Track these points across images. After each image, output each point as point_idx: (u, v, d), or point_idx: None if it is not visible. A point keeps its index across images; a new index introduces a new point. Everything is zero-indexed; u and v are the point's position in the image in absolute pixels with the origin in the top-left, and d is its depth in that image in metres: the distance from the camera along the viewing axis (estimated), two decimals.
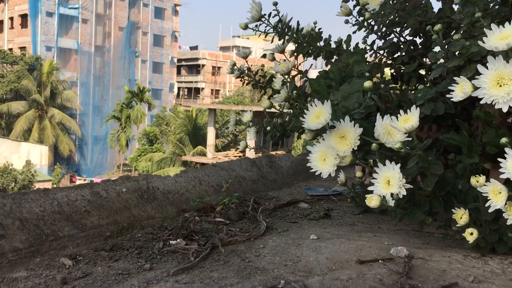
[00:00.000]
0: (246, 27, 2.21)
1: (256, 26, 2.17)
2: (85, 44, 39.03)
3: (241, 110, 33.24)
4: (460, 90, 1.20)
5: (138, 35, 42.74)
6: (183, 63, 50.36)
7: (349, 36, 2.11)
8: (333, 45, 2.16)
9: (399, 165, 1.25)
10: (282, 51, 2.29)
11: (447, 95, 1.29)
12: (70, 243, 1.18)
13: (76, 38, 38.54)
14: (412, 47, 1.81)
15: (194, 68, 50.61)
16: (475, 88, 1.17)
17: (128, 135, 33.10)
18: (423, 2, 1.83)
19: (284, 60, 2.34)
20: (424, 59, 1.85)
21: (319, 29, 2.16)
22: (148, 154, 31.11)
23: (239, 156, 30.77)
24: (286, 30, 2.15)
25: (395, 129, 1.27)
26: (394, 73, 2.03)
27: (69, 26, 38.37)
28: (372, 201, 1.23)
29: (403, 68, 1.93)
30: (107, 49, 40.67)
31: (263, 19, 2.17)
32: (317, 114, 1.33)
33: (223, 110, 33.43)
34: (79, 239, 1.21)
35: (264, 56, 52.97)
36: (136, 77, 41.59)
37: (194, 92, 48.76)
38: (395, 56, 1.87)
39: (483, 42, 1.15)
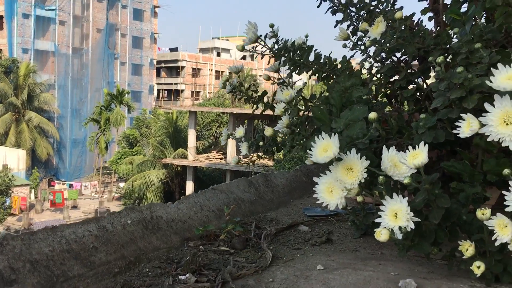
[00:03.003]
0: (243, 48, 2.21)
1: (253, 47, 2.18)
2: (62, 46, 38.46)
3: (222, 112, 33.26)
4: (468, 127, 1.23)
5: (117, 37, 42.34)
6: (163, 65, 50.09)
7: (344, 57, 2.13)
8: (326, 63, 2.18)
9: (406, 198, 1.28)
10: (276, 71, 2.31)
11: (454, 131, 1.32)
12: (80, 283, 1.17)
13: (53, 40, 37.96)
14: (409, 72, 1.84)
15: (174, 70, 50.36)
16: (482, 125, 1.20)
17: (108, 138, 32.74)
18: (418, 27, 1.86)
19: (279, 79, 2.36)
20: (421, 82, 1.89)
21: (313, 47, 2.17)
22: (128, 157, 30.82)
23: (220, 158, 30.70)
24: (283, 51, 2.16)
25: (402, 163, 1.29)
26: (389, 95, 2.06)
27: (46, 28, 37.76)
28: (382, 236, 1.25)
29: (398, 90, 1.96)
30: (85, 51, 40.17)
31: (259, 40, 2.18)
32: (325, 147, 1.35)
33: (204, 112, 33.34)
34: (89, 278, 1.20)
35: (244, 57, 52.97)
36: (115, 79, 41.18)
37: (174, 94, 48.51)
38: (392, 80, 1.90)
39: (490, 81, 1.18)
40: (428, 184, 1.27)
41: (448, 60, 1.79)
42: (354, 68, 2.09)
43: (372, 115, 1.42)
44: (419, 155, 1.23)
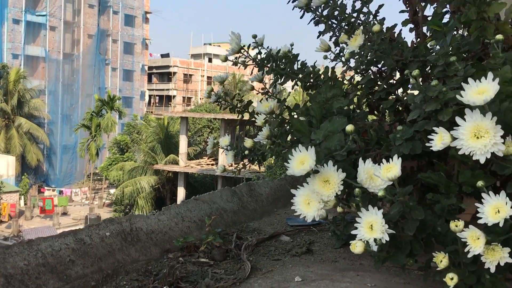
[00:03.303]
0: (226, 59, 2.23)
1: (236, 58, 2.20)
2: (53, 51, 38.30)
3: (214, 118, 33.23)
4: (440, 140, 1.25)
5: (108, 43, 42.25)
6: (154, 70, 50.03)
7: (326, 68, 2.15)
8: (311, 72, 2.19)
9: (381, 210, 1.29)
10: (260, 81, 2.33)
11: (427, 144, 1.34)
12: None
13: (44, 45, 37.80)
14: (389, 83, 1.87)
15: (166, 76, 50.32)
16: (454, 138, 1.22)
17: (98, 144, 32.59)
18: (397, 39, 1.89)
19: (263, 88, 2.37)
20: (401, 93, 1.91)
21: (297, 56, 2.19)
22: (119, 163, 30.68)
23: (211, 164, 30.64)
24: (266, 61, 2.18)
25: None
26: (371, 105, 2.08)
27: (36, 34, 37.60)
28: (357, 248, 1.26)
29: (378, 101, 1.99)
30: (76, 56, 40.04)
31: (242, 50, 2.20)
32: (302, 160, 1.36)
33: (195, 118, 33.30)
34: None
35: (235, 64, 52.95)
36: (106, 85, 41.05)
37: (166, 100, 48.43)
38: (373, 91, 1.92)
39: (461, 96, 1.20)
40: (403, 197, 1.29)
41: (427, 70, 1.83)
42: (339, 77, 2.11)
43: (349, 127, 1.44)
44: (392, 168, 1.25)
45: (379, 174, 1.26)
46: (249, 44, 2.23)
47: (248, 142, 1.78)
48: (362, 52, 1.71)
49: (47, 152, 37.19)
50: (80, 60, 40.12)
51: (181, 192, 28.21)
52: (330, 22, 2.03)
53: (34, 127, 34.40)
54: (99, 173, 34.08)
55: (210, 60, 53.00)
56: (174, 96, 48.99)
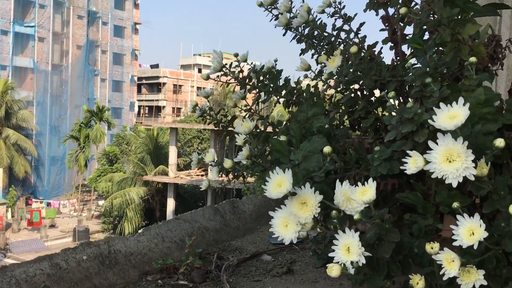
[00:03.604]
0: (207, 77, 2.24)
1: (218, 76, 2.20)
2: (41, 62, 38.11)
3: (203, 129, 33.15)
4: (413, 164, 1.26)
5: (97, 54, 42.16)
6: (144, 81, 49.97)
7: (308, 86, 2.17)
8: (294, 89, 2.20)
9: (358, 232, 1.29)
10: (243, 98, 2.33)
11: (401, 167, 1.35)
12: None
13: (32, 56, 37.60)
14: (368, 101, 1.88)
15: (155, 86, 50.27)
16: (427, 162, 1.23)
17: (87, 155, 32.34)
18: (376, 59, 1.91)
19: (246, 105, 2.38)
20: (380, 112, 1.92)
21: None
22: (108, 175, 30.46)
23: (201, 175, 30.51)
24: (247, 80, 2.19)
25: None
26: (352, 123, 2.10)
27: (24, 45, 37.42)
28: (333, 271, 1.26)
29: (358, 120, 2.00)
30: (65, 67, 39.88)
31: (224, 69, 2.20)
32: (279, 182, 1.36)
33: (185, 129, 33.25)
34: None
35: (225, 74, 53.06)
36: (95, 95, 40.89)
37: (155, 111, 48.32)
38: (353, 110, 1.93)
39: (433, 120, 1.21)
40: (379, 219, 1.29)
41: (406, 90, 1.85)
42: (322, 93, 2.12)
43: (327, 149, 1.45)
44: (367, 191, 1.25)
45: (355, 198, 1.27)
46: (231, 63, 2.25)
47: (227, 163, 1.78)
48: (341, 73, 1.73)
49: (35, 164, 36.85)
50: (69, 71, 39.95)
51: (170, 203, 28.06)
52: (310, 41, 2.05)
53: (22, 138, 34.09)
54: (88, 184, 33.81)
55: (200, 71, 53.06)
56: (163, 107, 48.91)
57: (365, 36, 2.10)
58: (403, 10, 1.54)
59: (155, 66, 52.62)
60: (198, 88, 50.60)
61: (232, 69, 2.21)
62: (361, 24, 2.19)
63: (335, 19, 2.21)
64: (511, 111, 1.52)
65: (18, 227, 29.10)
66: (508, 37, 2.86)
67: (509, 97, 1.90)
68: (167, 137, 31.16)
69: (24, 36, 37.30)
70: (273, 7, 2.24)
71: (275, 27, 2.13)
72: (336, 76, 1.78)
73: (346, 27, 2.09)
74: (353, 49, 1.68)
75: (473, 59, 1.44)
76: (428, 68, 1.71)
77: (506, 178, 1.39)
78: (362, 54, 1.93)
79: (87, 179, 33.62)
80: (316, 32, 1.95)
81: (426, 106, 1.57)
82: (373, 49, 2.10)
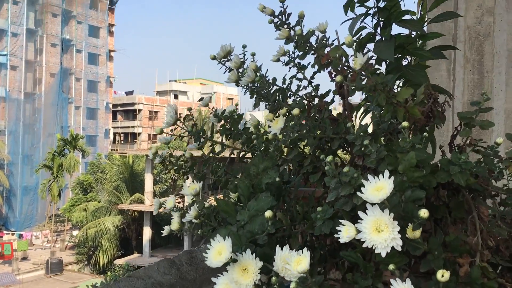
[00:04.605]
0: (161, 131, 2.26)
1: (172, 130, 2.24)
2: (14, 91, 37.62)
3: (180, 155, 32.91)
4: (346, 233, 1.31)
5: (71, 81, 41.87)
6: (119, 108, 49.71)
7: (261, 138, 2.22)
8: (250, 137, 2.24)
9: None
10: (200, 148, 2.37)
11: (335, 235, 1.39)
12: None
13: (4, 85, 37.08)
14: (315, 157, 1.94)
15: (131, 113, 50.02)
16: (358, 231, 1.28)
17: (61, 185, 31.74)
18: (322, 115, 1.97)
19: (203, 155, 2.41)
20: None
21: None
22: (83, 204, 29.91)
23: (178, 202, 30.14)
24: (201, 133, 2.23)
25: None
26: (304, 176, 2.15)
27: None
28: None
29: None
30: (38, 95, 39.43)
31: (178, 122, 2.24)
32: (219, 250, 1.39)
33: None
34: None
35: (201, 99, 53.35)
36: (69, 123, 40.43)
37: (131, 137, 47.96)
38: (301, 165, 1.98)
39: (362, 192, 1.26)
40: (316, 287, 1.33)
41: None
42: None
43: (268, 213, 1.49)
44: (302, 261, 1.29)
45: (290, 267, 1.30)
46: (185, 115, 2.29)
47: (174, 225, 1.80)
48: (286, 133, 1.78)
49: (7, 194, 35.96)
50: (42, 99, 39.50)
51: (147, 232, 27.64)
52: (260, 97, 2.11)
53: None
54: (61, 214, 33.09)
55: (176, 97, 53.13)
56: (139, 133, 48.63)
57: (318, 85, 2.18)
58: (338, 79, 1.61)
59: (130, 92, 52.48)
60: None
61: (187, 122, 2.25)
62: (315, 73, 2.26)
63: (290, 68, 2.28)
64: (445, 171, 1.59)
65: None
66: (462, 75, 2.99)
67: (450, 150, 1.97)
68: (143, 164, 30.86)
69: None
70: (226, 59, 2.31)
71: (228, 82, 2.19)
72: (280, 136, 1.83)
73: (300, 75, 2.16)
74: (295, 111, 1.74)
75: (405, 124, 1.51)
76: (371, 124, 1.79)
77: (439, 238, 1.45)
78: (312, 107, 2.00)
79: (61, 209, 32.91)
80: (264, 91, 2.01)
81: (366, 164, 1.63)
82: (324, 100, 2.17)
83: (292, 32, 1.96)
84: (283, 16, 1.98)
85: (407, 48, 2.15)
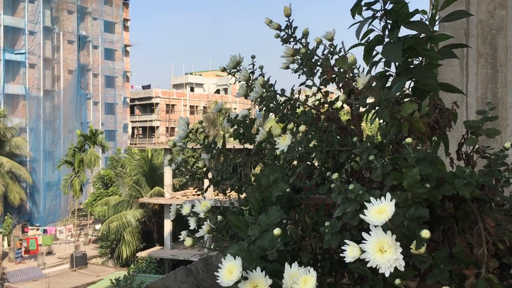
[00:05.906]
0: (174, 145, 2.33)
1: (184, 143, 2.30)
2: (33, 89, 38.23)
3: (198, 148, 33.07)
4: (350, 253, 1.35)
5: (89, 77, 42.35)
6: (137, 102, 50.13)
7: (271, 149, 2.26)
8: (261, 146, 2.29)
9: None
10: (213, 158, 2.42)
11: (341, 254, 1.44)
12: None
13: (24, 83, 37.71)
14: (324, 168, 1.98)
15: (148, 107, 50.42)
16: (363, 251, 1.32)
17: (82, 180, 32.28)
18: (328, 129, 2.01)
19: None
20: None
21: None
22: (104, 198, 30.41)
23: (198, 195, 30.43)
24: (213, 145, 2.28)
25: None
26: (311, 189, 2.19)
27: (16, 72, 37.56)
28: None
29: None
30: (57, 92, 40.01)
31: (190, 134, 2.30)
32: (230, 269, 1.45)
33: None
34: None
35: (217, 91, 53.45)
36: (88, 119, 40.97)
37: (149, 131, 48.40)
38: (310, 175, 2.03)
39: (364, 214, 1.31)
40: None
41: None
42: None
43: (276, 231, 1.53)
44: (309, 281, 1.34)
45: (298, 287, 1.36)
46: (196, 128, 2.35)
47: (187, 241, 1.86)
48: (293, 149, 1.82)
49: (30, 191, 36.72)
50: (61, 96, 40.08)
51: (168, 225, 27.98)
52: (267, 111, 2.15)
53: (16, 165, 34.03)
54: (84, 209, 33.71)
55: (192, 89, 53.35)
56: (157, 127, 49.03)
57: (328, 92, 2.21)
58: (342, 98, 1.64)
59: (147, 86, 52.90)
60: (191, 106, 50.81)
61: (199, 134, 2.31)
62: (321, 84, 2.29)
63: (299, 75, 2.32)
64: (449, 183, 1.61)
65: (15, 256, 28.91)
66: (475, 70, 2.97)
67: (457, 157, 1.99)
68: (161, 158, 31.16)
69: (15, 63, 37.47)
70: (236, 70, 2.35)
71: (236, 96, 2.24)
72: (287, 153, 1.87)
73: (309, 82, 2.20)
74: (302, 128, 1.78)
75: (409, 140, 1.54)
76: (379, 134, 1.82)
77: (444, 252, 1.48)
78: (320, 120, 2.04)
79: (83, 203, 33.54)
80: (272, 105, 2.05)
81: (372, 178, 1.67)
82: (333, 107, 2.20)
83: (298, 45, 1.99)
84: (289, 30, 2.01)
85: (416, 49, 2.15)
